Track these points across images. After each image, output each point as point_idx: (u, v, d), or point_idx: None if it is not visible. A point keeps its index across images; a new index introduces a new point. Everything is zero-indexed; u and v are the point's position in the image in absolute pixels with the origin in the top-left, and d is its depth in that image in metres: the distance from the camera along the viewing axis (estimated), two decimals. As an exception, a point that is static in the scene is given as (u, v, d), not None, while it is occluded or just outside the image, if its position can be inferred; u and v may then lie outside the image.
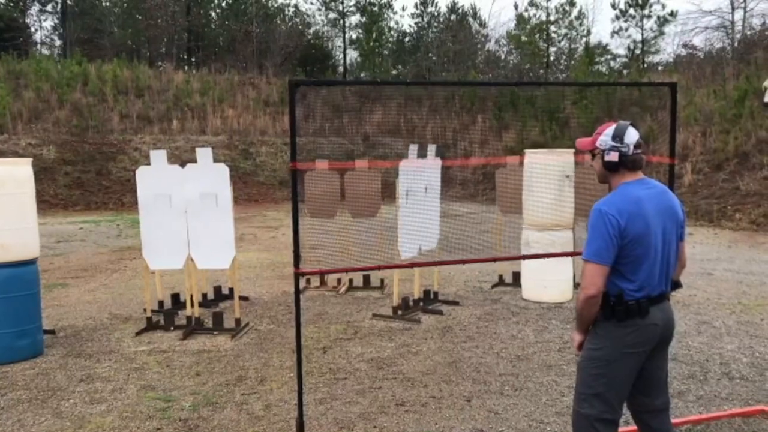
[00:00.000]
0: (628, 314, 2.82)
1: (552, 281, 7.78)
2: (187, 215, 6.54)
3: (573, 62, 33.24)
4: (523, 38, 34.96)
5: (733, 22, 28.49)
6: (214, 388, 5.04)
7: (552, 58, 35.52)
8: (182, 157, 20.49)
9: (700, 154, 17.64)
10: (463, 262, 3.00)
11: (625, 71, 30.96)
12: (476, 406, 4.63)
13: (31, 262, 5.93)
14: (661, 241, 2.86)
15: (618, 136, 2.88)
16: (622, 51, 34.61)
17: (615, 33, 34.54)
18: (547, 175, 7.42)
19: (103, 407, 4.71)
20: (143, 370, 5.49)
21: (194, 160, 6.66)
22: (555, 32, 35.32)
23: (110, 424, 4.41)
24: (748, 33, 27.81)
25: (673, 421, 3.37)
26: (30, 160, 6.17)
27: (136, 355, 5.92)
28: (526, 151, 8.17)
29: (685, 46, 30.98)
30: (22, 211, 5.81)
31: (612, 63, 33.21)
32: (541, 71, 33.71)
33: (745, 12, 28.23)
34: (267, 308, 7.65)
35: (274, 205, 21.35)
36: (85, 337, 6.54)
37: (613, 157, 2.87)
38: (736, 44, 27.29)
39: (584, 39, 34.96)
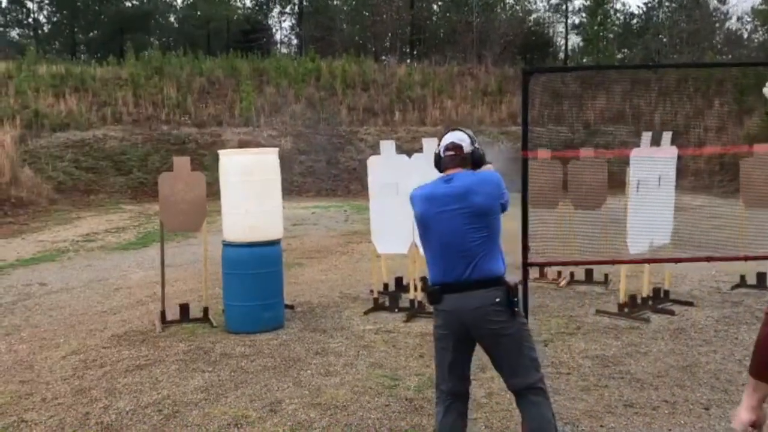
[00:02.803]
0: (430, 299, 3.26)
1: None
2: (413, 203, 6.77)
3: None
4: (773, 13, 31.22)
5: None
6: (437, 371, 5.19)
7: (808, 34, 31.41)
8: (403, 147, 21.27)
9: None
10: (708, 259, 2.78)
11: None
12: (715, 415, 4.27)
13: (276, 242, 6.53)
14: (447, 229, 3.11)
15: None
16: None
17: None
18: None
19: (337, 380, 5.07)
20: (371, 348, 5.81)
21: (415, 150, 6.89)
22: (812, 4, 31.10)
23: (343, 397, 4.73)
24: None
25: None
26: (276, 149, 6.80)
27: (365, 333, 6.28)
28: (779, 139, 7.33)
29: None
30: (270, 195, 6.42)
31: None
32: (793, 49, 29.96)
33: None
34: (486, 297, 7.69)
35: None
36: (319, 313, 7.07)
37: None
38: None
39: None
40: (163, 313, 6.71)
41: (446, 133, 3.37)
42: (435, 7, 39.32)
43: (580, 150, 8.44)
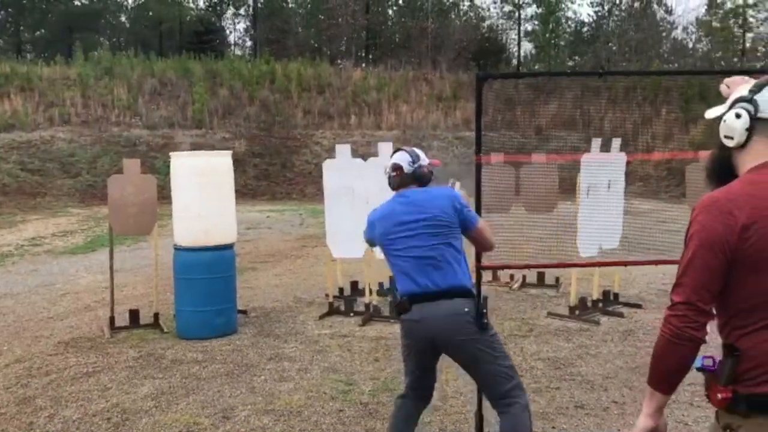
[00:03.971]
0: (398, 310, 3.28)
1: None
2: (368, 207, 6.76)
3: (774, 48, 30.21)
4: (715, 24, 32.31)
5: None
6: (392, 375, 5.19)
7: (748, 46, 32.51)
8: (359, 151, 21.26)
9: None
10: (656, 263, 2.85)
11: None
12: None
13: (229, 247, 6.45)
14: (412, 242, 3.19)
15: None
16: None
17: (826, 15, 30.88)
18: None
19: (291, 385, 5.02)
20: (326, 353, 5.78)
21: (371, 154, 6.90)
22: (753, 17, 32.27)
23: (297, 402, 4.69)
24: None
25: None
26: (230, 152, 6.72)
27: (319, 338, 6.25)
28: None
29: None
30: (223, 199, 6.34)
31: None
32: (735, 60, 30.98)
33: None
34: (441, 300, 7.74)
35: (445, 199, 21.49)
36: (273, 318, 7.01)
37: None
38: None
39: (789, 22, 31.63)
40: (112, 319, 6.55)
41: (393, 153, 3.51)
42: (390, 12, 39.48)
43: (532, 155, 8.58)
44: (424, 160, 3.44)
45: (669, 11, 36.99)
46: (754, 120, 1.76)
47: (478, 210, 3.73)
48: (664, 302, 7.49)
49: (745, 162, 1.79)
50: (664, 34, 36.34)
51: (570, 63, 35.22)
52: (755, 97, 1.77)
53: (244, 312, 7.07)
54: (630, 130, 23.95)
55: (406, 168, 3.38)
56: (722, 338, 1.79)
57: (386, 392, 4.83)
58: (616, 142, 7.29)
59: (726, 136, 1.81)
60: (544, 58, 34.79)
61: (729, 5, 32.22)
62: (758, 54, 32.06)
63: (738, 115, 1.78)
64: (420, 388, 3.40)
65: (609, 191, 6.99)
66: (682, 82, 24.28)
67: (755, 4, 31.75)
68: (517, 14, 37.32)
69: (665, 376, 1.83)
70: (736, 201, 1.72)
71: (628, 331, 6.40)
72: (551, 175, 8.15)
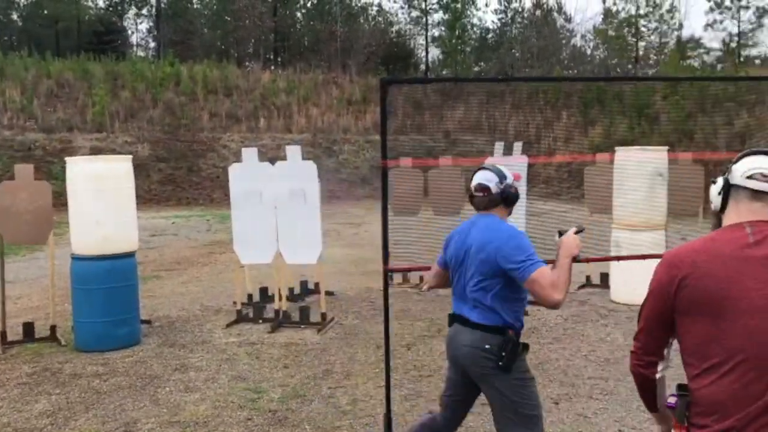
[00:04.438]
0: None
1: (642, 283, 7.50)
2: (277, 211, 6.70)
3: (663, 57, 32.00)
4: (611, 33, 33.95)
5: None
6: (301, 381, 5.15)
7: (641, 53, 34.33)
8: (268, 155, 21.01)
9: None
10: (548, 262, 2.94)
11: (719, 65, 29.58)
12: (564, 408, 4.54)
13: (130, 255, 6.22)
14: (463, 270, 3.14)
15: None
16: (716, 44, 33.14)
17: (709, 26, 33.12)
18: (638, 174, 7.19)
19: (197, 396, 4.89)
20: (234, 361, 5.67)
21: (280, 158, 6.83)
22: (645, 26, 34.13)
23: (204, 413, 4.57)
24: None
25: None
26: (130, 157, 6.48)
27: (227, 346, 6.12)
28: (618, 148, 7.94)
29: (786, 38, 29.27)
30: (123, 205, 6.11)
31: (705, 57, 31.81)
32: (629, 66, 32.64)
33: None
34: (351, 303, 7.75)
35: (356, 202, 21.55)
36: (178, 327, 6.81)
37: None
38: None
39: (676, 33, 33.62)
40: (3, 334, 6.18)
41: (476, 172, 3.26)
42: (299, 14, 39.26)
43: (440, 158, 8.72)
44: (510, 177, 3.23)
45: (568, 19, 38.57)
46: (730, 186, 1.96)
47: (385, 212, 3.76)
48: (565, 300, 7.79)
49: (724, 223, 1.98)
50: (564, 41, 37.84)
51: (476, 68, 36.12)
52: (732, 167, 1.97)
53: (147, 322, 6.84)
54: (534, 133, 24.80)
55: (494, 189, 3.16)
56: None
57: (296, 399, 4.79)
58: (518, 146, 7.52)
59: (711, 202, 2.05)
60: (451, 63, 35.52)
61: (623, 15, 33.92)
62: (650, 61, 33.91)
63: (714, 182, 2.03)
64: (450, 408, 3.33)
65: (512, 193, 7.18)
66: (581, 87, 25.34)
67: (646, 14, 33.58)
68: (424, 20, 37.92)
69: (642, 399, 2.14)
70: (685, 255, 1.92)
71: (532, 329, 6.60)
72: (457, 178, 8.32)
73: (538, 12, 37.94)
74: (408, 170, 8.62)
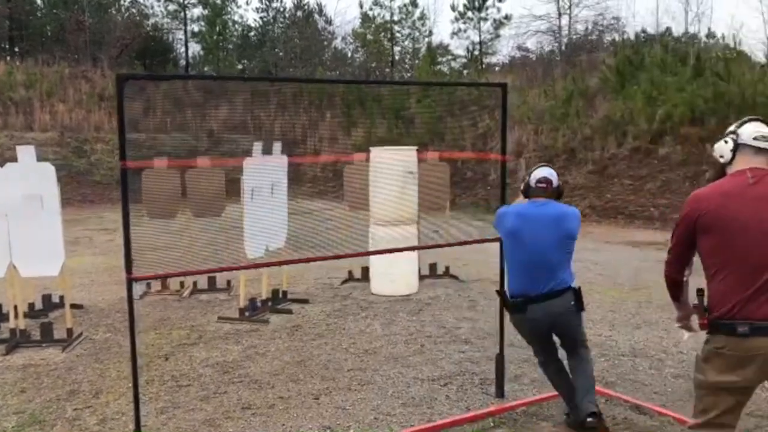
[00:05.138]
0: (512, 310, 3.93)
1: (398, 275, 7.95)
2: (8, 219, 5.99)
3: (417, 62, 34.16)
4: (369, 37, 35.46)
5: (560, 27, 30.56)
6: (42, 405, 4.66)
7: (397, 57, 36.32)
8: (5, 156, 18.78)
9: (533, 150, 18.78)
10: (309, 260, 2.97)
11: (465, 71, 32.30)
12: (324, 403, 4.62)
13: None
14: (539, 246, 3.76)
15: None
16: (461, 52, 36.04)
17: (455, 34, 35.78)
18: (391, 172, 7.56)
19: None
20: (-42, 392, 4.96)
21: (16, 159, 6.13)
22: (399, 32, 36.10)
23: None
24: (574, 37, 29.97)
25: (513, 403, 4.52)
26: None
27: (-51, 375, 5.34)
28: (371, 148, 8.29)
29: (519, 48, 32.68)
30: None
31: (453, 63, 34.52)
32: (387, 69, 34.39)
33: (570, 18, 30.39)
34: (103, 316, 7.20)
35: (111, 206, 20.07)
36: None
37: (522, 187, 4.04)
38: (563, 47, 29.30)
39: (426, 39, 36.05)
40: None
41: (537, 168, 3.98)
42: (39, 1, 35.60)
43: (198, 159, 8.43)
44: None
45: (329, 21, 39.55)
46: (737, 145, 2.76)
47: (126, 217, 3.51)
48: (328, 295, 7.98)
49: (730, 171, 2.79)
50: (325, 43, 38.74)
51: (239, 66, 35.59)
52: (738, 130, 2.78)
53: None
54: (300, 133, 25.10)
55: (555, 183, 3.91)
56: None
57: (34, 425, 4.31)
58: (278, 146, 7.52)
59: (720, 156, 2.82)
60: (213, 60, 34.66)
61: (379, 20, 35.59)
62: (406, 65, 36.01)
63: (726, 142, 2.81)
64: (549, 357, 4.09)
65: (272, 193, 7.18)
66: (343, 89, 26.16)
67: (400, 20, 35.58)
68: (182, 14, 36.48)
69: (670, 294, 3.08)
70: (703, 195, 2.78)
71: (296, 327, 6.65)
72: (218, 178, 8.11)
73: (299, 13, 38.43)
74: (163, 171, 8.21)
